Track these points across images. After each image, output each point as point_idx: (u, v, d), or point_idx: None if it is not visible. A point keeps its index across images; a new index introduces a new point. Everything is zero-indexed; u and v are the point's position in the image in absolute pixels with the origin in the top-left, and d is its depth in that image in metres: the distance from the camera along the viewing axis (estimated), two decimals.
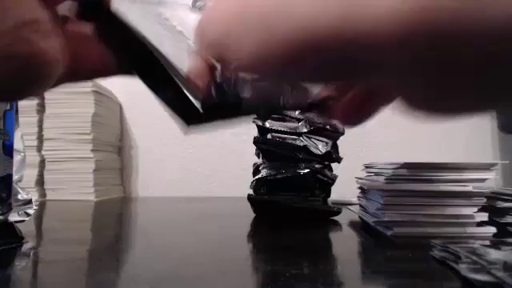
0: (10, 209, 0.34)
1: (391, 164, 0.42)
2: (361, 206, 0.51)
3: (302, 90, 0.19)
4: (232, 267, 0.29)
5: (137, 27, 0.17)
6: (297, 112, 0.53)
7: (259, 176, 0.51)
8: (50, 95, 0.77)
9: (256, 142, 0.53)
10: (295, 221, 0.49)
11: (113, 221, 0.56)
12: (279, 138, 0.51)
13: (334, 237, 0.44)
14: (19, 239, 0.34)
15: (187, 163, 0.93)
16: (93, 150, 0.76)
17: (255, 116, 0.55)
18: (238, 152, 0.91)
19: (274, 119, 0.53)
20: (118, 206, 0.71)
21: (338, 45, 0.12)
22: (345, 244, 0.40)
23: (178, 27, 0.19)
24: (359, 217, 0.50)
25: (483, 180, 0.40)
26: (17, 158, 0.35)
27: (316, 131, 0.52)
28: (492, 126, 0.88)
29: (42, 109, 0.77)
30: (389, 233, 0.39)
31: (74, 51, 0.18)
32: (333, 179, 0.51)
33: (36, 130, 0.76)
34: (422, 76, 0.12)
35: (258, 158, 0.57)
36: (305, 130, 0.51)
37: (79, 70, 0.19)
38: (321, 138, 0.52)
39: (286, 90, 0.19)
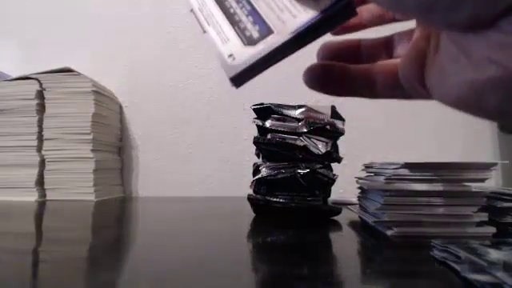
0: None
1: (391, 164, 0.42)
2: (361, 205, 0.51)
3: None
4: (232, 267, 0.29)
5: None
6: (297, 112, 0.53)
7: (259, 176, 0.51)
8: (49, 95, 0.77)
9: (256, 141, 0.53)
10: (295, 221, 0.49)
11: (113, 221, 0.56)
12: (279, 137, 0.51)
13: (334, 237, 0.44)
14: None
15: (187, 163, 0.93)
16: (93, 150, 0.76)
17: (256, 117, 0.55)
18: (238, 152, 0.91)
19: (273, 119, 0.53)
20: (118, 206, 0.71)
21: None
22: (345, 244, 0.40)
23: None
24: (359, 217, 0.50)
25: (483, 180, 0.40)
26: None
27: (316, 131, 0.52)
28: (492, 126, 0.88)
29: (42, 109, 0.77)
30: (389, 233, 0.39)
31: None
32: (333, 179, 0.51)
33: (36, 129, 0.76)
34: None
35: (258, 158, 0.57)
36: (305, 130, 0.51)
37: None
38: (321, 138, 0.52)
39: None
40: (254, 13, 0.18)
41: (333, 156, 0.51)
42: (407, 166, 0.40)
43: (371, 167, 0.49)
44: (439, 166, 0.40)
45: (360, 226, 0.47)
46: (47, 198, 0.75)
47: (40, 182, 0.75)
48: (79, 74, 0.77)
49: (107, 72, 0.93)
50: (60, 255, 0.32)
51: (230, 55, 0.17)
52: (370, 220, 0.43)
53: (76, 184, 0.75)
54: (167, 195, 0.90)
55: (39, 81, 0.76)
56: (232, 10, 0.18)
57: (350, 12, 0.17)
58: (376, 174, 0.47)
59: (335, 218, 0.52)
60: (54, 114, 0.76)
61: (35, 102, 0.76)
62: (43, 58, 0.94)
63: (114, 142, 0.89)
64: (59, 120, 0.76)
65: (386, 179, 0.40)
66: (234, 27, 0.18)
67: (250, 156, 0.59)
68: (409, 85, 0.18)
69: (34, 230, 0.47)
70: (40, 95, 0.77)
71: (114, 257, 0.33)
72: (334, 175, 0.51)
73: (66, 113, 0.76)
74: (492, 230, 0.38)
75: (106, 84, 0.86)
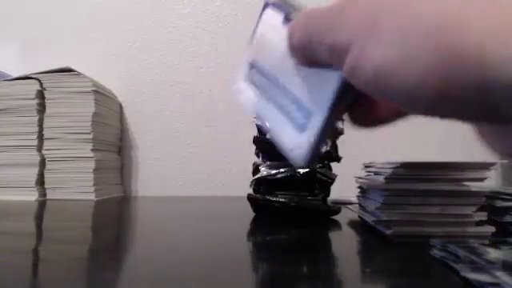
0: None
1: (391, 163, 0.42)
2: (360, 205, 0.51)
3: None
4: (232, 267, 0.29)
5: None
6: None
7: (259, 175, 0.51)
8: (49, 95, 0.77)
9: (256, 141, 0.53)
10: (295, 220, 0.49)
11: (113, 221, 0.56)
12: None
13: (334, 236, 0.44)
14: None
15: (187, 163, 0.93)
16: (93, 150, 0.76)
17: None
18: (238, 152, 0.91)
19: None
20: (118, 206, 0.71)
21: None
22: (344, 243, 0.40)
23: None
24: (359, 216, 0.50)
25: (482, 179, 0.40)
26: None
27: None
28: None
29: (42, 108, 0.77)
30: (388, 232, 0.39)
31: None
32: (332, 179, 0.51)
33: (36, 129, 0.76)
34: None
35: (258, 157, 0.57)
36: None
37: None
38: None
39: None
40: (296, 100, 0.20)
41: (332, 155, 0.51)
42: (407, 165, 0.40)
43: (371, 167, 0.49)
44: (439, 166, 0.40)
45: (359, 226, 0.47)
46: (47, 197, 0.75)
47: (40, 181, 0.75)
48: (79, 73, 0.77)
49: (107, 72, 0.93)
50: (60, 255, 0.32)
51: (291, 149, 0.20)
52: (369, 219, 0.43)
53: (76, 183, 0.75)
54: (167, 195, 0.90)
55: (39, 81, 0.76)
56: (280, 102, 0.21)
57: None
58: (376, 173, 0.47)
59: (335, 217, 0.52)
60: (54, 113, 0.77)
61: (35, 101, 0.76)
62: (43, 58, 0.94)
63: (113, 141, 0.89)
64: (59, 120, 0.76)
65: (385, 179, 0.40)
66: (286, 118, 0.20)
67: (250, 156, 0.59)
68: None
69: (35, 229, 0.47)
70: (40, 95, 0.77)
71: (114, 257, 0.33)
72: (334, 175, 0.51)
73: (66, 112, 0.76)
74: (491, 229, 0.38)
75: (106, 84, 0.86)
